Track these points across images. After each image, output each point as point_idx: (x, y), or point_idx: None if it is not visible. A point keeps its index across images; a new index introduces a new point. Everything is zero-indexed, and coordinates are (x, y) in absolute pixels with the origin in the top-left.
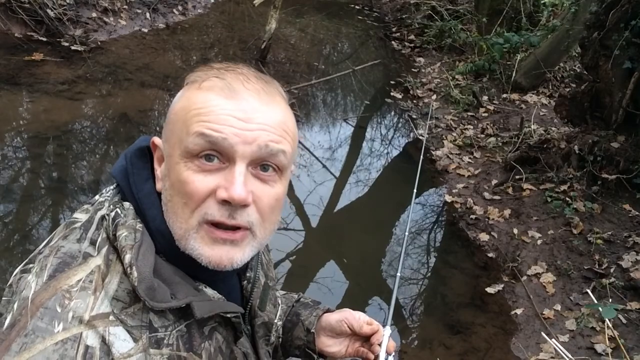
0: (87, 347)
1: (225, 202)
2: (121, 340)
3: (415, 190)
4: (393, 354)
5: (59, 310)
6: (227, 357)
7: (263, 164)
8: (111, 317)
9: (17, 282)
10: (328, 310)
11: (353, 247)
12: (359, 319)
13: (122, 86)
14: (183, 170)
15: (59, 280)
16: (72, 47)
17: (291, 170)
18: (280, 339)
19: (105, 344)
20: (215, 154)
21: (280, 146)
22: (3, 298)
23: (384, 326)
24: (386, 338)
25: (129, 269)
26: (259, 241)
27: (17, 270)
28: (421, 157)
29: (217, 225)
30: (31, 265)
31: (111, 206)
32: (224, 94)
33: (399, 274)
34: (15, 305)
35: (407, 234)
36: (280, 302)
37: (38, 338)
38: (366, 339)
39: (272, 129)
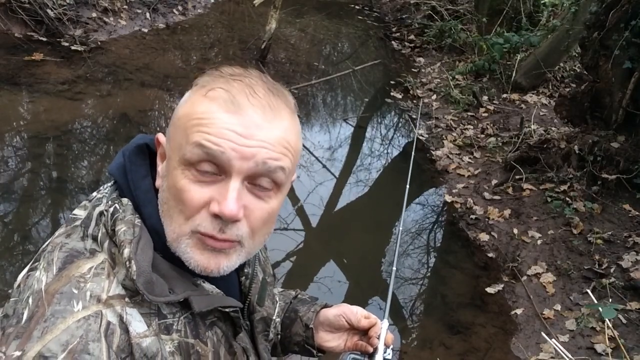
0: (108, 322)
1: (217, 216)
2: (137, 321)
3: (407, 186)
4: (391, 346)
5: (75, 292)
6: (226, 352)
7: (260, 180)
8: (126, 299)
9: (25, 281)
10: (326, 306)
11: (353, 247)
12: (356, 313)
13: (122, 86)
14: (180, 178)
15: (70, 269)
16: (72, 47)
17: (292, 180)
18: (279, 336)
19: (123, 322)
20: (212, 166)
21: (279, 163)
22: (11, 299)
23: (381, 320)
24: (384, 331)
25: (127, 263)
26: (247, 251)
27: (24, 271)
28: (413, 151)
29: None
30: (37, 264)
31: (109, 202)
32: (227, 107)
33: (394, 268)
34: (30, 300)
35: (400, 228)
36: (277, 299)
37: (59, 319)
38: (364, 333)
39: (271, 146)
